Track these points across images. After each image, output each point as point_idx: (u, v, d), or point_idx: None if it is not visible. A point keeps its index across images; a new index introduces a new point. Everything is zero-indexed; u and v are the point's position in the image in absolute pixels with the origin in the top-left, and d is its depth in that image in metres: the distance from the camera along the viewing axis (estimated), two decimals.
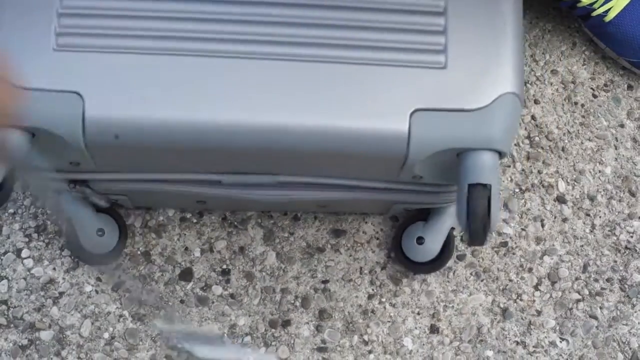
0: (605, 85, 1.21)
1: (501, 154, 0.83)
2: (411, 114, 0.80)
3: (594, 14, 1.16)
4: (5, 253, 1.11)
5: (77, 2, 0.82)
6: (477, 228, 0.80)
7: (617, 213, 1.15)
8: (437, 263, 1.10)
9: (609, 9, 1.15)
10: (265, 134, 0.81)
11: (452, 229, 1.08)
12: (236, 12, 0.83)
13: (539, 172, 1.16)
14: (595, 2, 1.15)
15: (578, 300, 1.11)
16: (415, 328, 1.10)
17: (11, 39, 0.81)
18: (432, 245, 1.08)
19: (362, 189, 0.95)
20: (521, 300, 1.11)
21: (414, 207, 1.06)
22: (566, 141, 1.18)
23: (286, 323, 1.09)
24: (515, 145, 1.16)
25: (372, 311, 1.10)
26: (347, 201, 0.99)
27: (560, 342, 1.10)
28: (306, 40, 0.82)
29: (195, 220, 1.13)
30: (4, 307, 1.09)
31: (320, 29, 0.83)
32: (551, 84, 1.21)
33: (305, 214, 1.13)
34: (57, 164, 0.88)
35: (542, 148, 1.17)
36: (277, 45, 0.82)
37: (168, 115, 0.80)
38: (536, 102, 1.19)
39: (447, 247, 1.09)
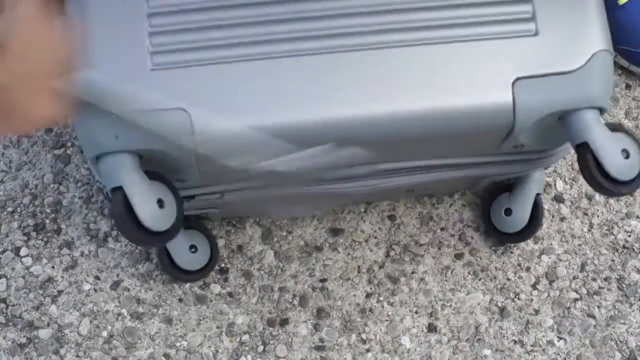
0: None
1: (602, 110, 0.85)
2: (513, 83, 0.83)
3: None
4: (3, 251, 1.11)
5: (165, 19, 0.82)
6: (598, 182, 0.83)
7: (614, 212, 1.15)
8: (527, 232, 1.10)
9: None
10: (375, 124, 0.83)
11: (538, 195, 1.08)
12: (324, 7, 0.84)
13: None
14: None
15: (576, 299, 1.12)
16: (413, 327, 1.10)
17: (108, 65, 0.81)
18: (521, 215, 1.09)
19: (457, 166, 0.96)
20: (519, 299, 1.11)
21: (502, 178, 1.07)
22: None
23: (284, 322, 1.09)
24: None
25: (370, 310, 1.10)
26: (439, 182, 1.00)
27: (558, 341, 1.10)
28: (400, 26, 0.84)
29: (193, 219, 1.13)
30: (2, 305, 1.09)
31: (411, 13, 0.84)
32: None
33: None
34: None
35: None
36: (373, 34, 0.83)
37: (277, 119, 0.81)
38: None
39: (536, 215, 1.08)
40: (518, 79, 0.83)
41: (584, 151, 0.83)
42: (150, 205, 0.81)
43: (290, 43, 0.83)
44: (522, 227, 1.09)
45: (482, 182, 1.07)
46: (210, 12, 0.83)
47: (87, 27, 0.82)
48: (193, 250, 1.07)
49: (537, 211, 1.08)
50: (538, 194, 1.08)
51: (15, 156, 1.15)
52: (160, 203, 0.82)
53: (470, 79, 0.83)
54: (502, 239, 1.13)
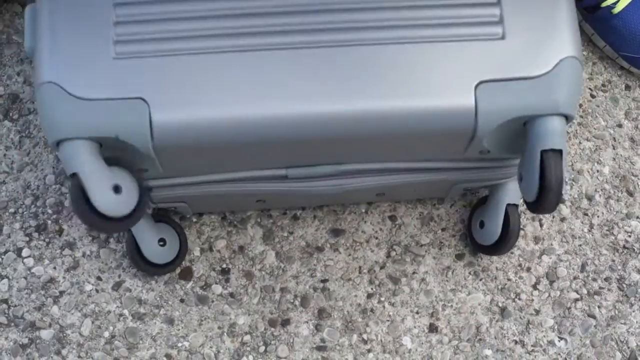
0: (603, 85, 1.22)
1: (568, 118, 0.84)
2: (476, 87, 0.83)
3: (604, 4, 1.17)
4: (5, 252, 1.11)
5: (130, 9, 0.84)
6: (551, 194, 0.83)
7: (615, 213, 1.16)
8: (499, 245, 1.08)
9: (618, 1, 1.16)
10: (333, 122, 0.83)
11: (511, 206, 1.06)
12: (290, 3, 0.84)
13: None
14: None
15: (576, 300, 1.12)
16: (414, 327, 1.10)
17: (71, 52, 0.82)
18: (491, 227, 1.08)
19: (424, 170, 0.96)
20: (520, 299, 1.12)
21: (473, 186, 1.06)
22: None
23: (285, 322, 1.10)
24: None
25: (371, 310, 1.10)
26: (407, 186, 1.00)
27: (559, 341, 1.10)
28: (364, 24, 0.84)
29: (195, 220, 1.13)
30: (4, 306, 1.09)
31: (377, 12, 0.84)
32: None
33: (304, 213, 1.14)
34: None
35: None
36: (336, 32, 0.84)
37: (234, 112, 0.82)
38: None
39: (507, 228, 1.06)
40: (481, 82, 0.83)
41: (551, 158, 0.82)
42: (104, 191, 0.82)
43: (252, 37, 0.83)
44: (495, 240, 1.08)
45: (454, 189, 1.07)
46: (175, 5, 0.84)
47: (55, 13, 0.83)
48: (161, 243, 1.08)
49: (508, 224, 1.06)
50: (511, 205, 1.06)
51: (17, 157, 1.15)
52: (117, 189, 0.82)
53: (434, 80, 0.83)
54: (480, 251, 1.12)
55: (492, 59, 0.83)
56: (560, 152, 0.83)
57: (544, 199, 0.84)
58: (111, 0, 0.84)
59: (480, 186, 1.06)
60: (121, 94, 0.81)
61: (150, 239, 1.06)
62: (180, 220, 1.13)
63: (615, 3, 1.17)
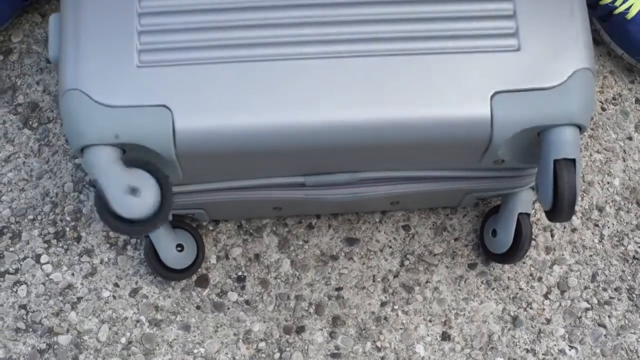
0: (614, 98, 1.24)
1: (581, 129, 0.87)
2: (492, 97, 0.85)
3: (616, 12, 1.19)
4: (24, 258, 1.13)
5: (154, 19, 0.86)
6: (564, 203, 0.85)
7: (625, 224, 1.17)
8: (511, 254, 1.09)
9: (630, 6, 1.18)
10: (352, 130, 0.85)
11: (523, 215, 1.07)
12: (312, 14, 0.87)
13: None
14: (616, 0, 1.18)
15: (587, 309, 1.13)
16: (427, 335, 1.11)
17: (96, 60, 0.84)
18: (503, 236, 1.09)
19: (438, 179, 0.98)
20: (531, 308, 1.13)
21: (486, 195, 1.08)
22: None
23: (300, 329, 1.11)
24: None
25: (385, 318, 1.12)
26: (422, 194, 1.02)
27: (570, 350, 1.12)
28: (383, 35, 0.86)
29: (211, 228, 1.15)
30: (23, 311, 1.10)
31: (395, 24, 0.87)
32: None
33: (319, 222, 1.15)
34: None
35: None
36: (357, 43, 0.86)
37: (255, 120, 0.84)
38: None
39: (518, 237, 1.08)
40: (497, 92, 0.85)
41: (564, 167, 0.84)
42: (119, 193, 0.82)
43: (273, 47, 0.86)
44: (507, 248, 1.09)
45: (467, 198, 1.08)
46: (198, 15, 0.86)
47: (80, 22, 0.85)
48: (179, 249, 1.09)
49: (520, 233, 1.08)
50: (523, 214, 1.07)
51: (36, 165, 1.17)
52: (135, 191, 0.83)
53: (451, 90, 0.85)
54: (492, 259, 1.14)
55: (507, 70, 0.86)
56: (573, 161, 0.85)
57: (559, 207, 0.86)
58: (135, 9, 0.86)
59: (494, 195, 1.07)
60: (145, 101, 0.83)
61: (168, 245, 1.08)
62: (197, 228, 1.14)
63: (628, 8, 1.19)
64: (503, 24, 0.87)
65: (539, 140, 0.87)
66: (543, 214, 1.17)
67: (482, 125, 0.85)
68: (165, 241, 1.07)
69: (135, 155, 0.85)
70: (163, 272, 1.09)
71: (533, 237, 1.16)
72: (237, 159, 0.88)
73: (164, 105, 0.83)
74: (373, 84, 0.85)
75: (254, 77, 0.84)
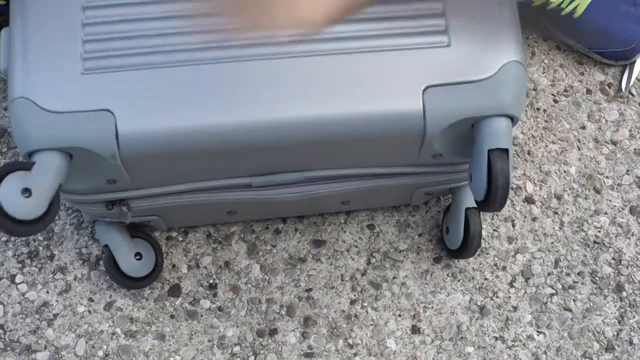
0: (565, 90, 1.27)
1: (513, 119, 0.90)
2: (424, 91, 0.88)
3: (564, 12, 1.23)
4: (0, 280, 1.15)
5: (98, 28, 0.89)
6: (499, 192, 0.87)
7: (584, 210, 1.20)
8: (464, 249, 1.11)
9: (577, 6, 1.22)
10: (289, 128, 0.88)
11: (471, 209, 1.09)
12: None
13: None
14: (563, 1, 1.22)
15: (552, 295, 1.16)
16: (398, 329, 1.14)
17: (42, 68, 0.88)
18: (454, 232, 1.12)
19: (385, 176, 1.01)
20: (497, 297, 1.16)
21: (434, 190, 1.10)
22: (531, 145, 1.24)
23: (273, 332, 1.13)
24: None
25: (355, 316, 1.14)
26: (370, 192, 1.05)
27: (538, 335, 1.14)
28: (318, 36, 0.90)
29: (181, 239, 1.18)
30: (0, 331, 1.13)
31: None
32: None
33: (285, 226, 1.18)
34: (95, 184, 0.94)
35: None
36: (292, 44, 0.89)
37: (195, 121, 0.87)
38: None
39: (468, 232, 1.10)
40: (429, 86, 0.88)
41: (497, 157, 0.87)
42: (13, 194, 0.83)
43: (213, 51, 0.89)
44: (459, 244, 1.12)
45: (416, 194, 1.11)
46: (139, 23, 0.90)
47: (26, 33, 0.89)
48: (138, 257, 1.12)
49: (468, 227, 1.10)
50: (471, 209, 1.10)
51: None
52: (26, 191, 0.83)
53: (384, 86, 0.88)
54: (451, 255, 1.17)
55: (438, 65, 0.89)
56: (506, 151, 0.87)
57: (492, 197, 0.88)
58: (79, 20, 0.89)
59: (441, 190, 1.10)
60: (88, 106, 0.86)
61: (127, 254, 1.11)
62: (167, 240, 1.17)
63: (574, 9, 1.23)
64: (433, 22, 0.91)
65: (473, 132, 0.90)
66: None
67: (416, 119, 0.88)
68: (124, 250, 1.11)
69: (82, 162, 0.88)
70: (123, 281, 1.12)
71: (495, 228, 1.19)
72: (181, 161, 0.91)
73: (106, 110, 0.86)
74: (310, 82, 0.88)
75: (194, 80, 0.88)
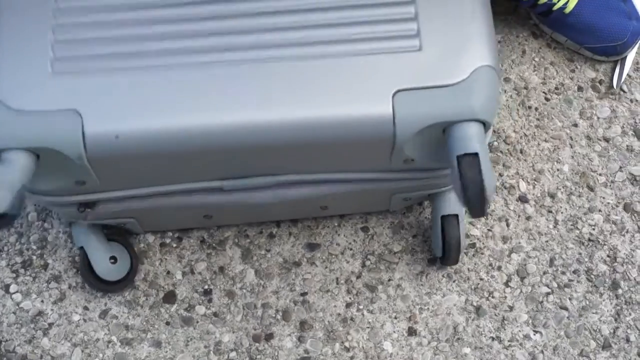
0: (556, 88, 1.27)
1: (485, 124, 0.89)
2: (393, 95, 0.87)
3: (555, 8, 1.23)
4: None
5: (68, 31, 0.90)
6: (473, 197, 0.85)
7: (577, 208, 1.20)
8: (444, 256, 1.11)
9: (568, 1, 1.22)
10: (259, 131, 0.88)
11: (446, 216, 1.09)
12: (215, 27, 0.90)
13: (500, 174, 1.22)
14: None
15: (548, 294, 1.16)
16: (394, 332, 1.14)
17: (12, 69, 0.88)
18: (434, 239, 1.13)
19: (358, 181, 1.01)
20: (493, 297, 1.16)
21: (411, 195, 1.09)
22: (524, 144, 1.24)
23: (269, 336, 1.13)
24: None
25: (351, 319, 1.14)
26: (346, 197, 1.05)
27: (534, 334, 1.14)
28: (290, 41, 0.90)
29: (175, 245, 1.17)
30: None
31: (301, 30, 0.90)
32: (505, 91, 1.27)
33: (280, 231, 1.18)
34: (64, 185, 0.94)
35: (502, 152, 1.23)
36: (262, 49, 0.89)
37: (160, 123, 0.87)
38: None
39: (444, 240, 1.10)
40: (399, 91, 0.88)
41: (467, 162, 0.85)
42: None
43: (178, 55, 0.89)
44: (441, 251, 1.12)
45: (394, 199, 1.10)
46: (108, 28, 0.90)
47: None
48: (112, 261, 1.12)
49: (444, 235, 1.10)
50: (448, 216, 1.09)
51: None
52: None
53: (354, 90, 0.88)
54: (440, 262, 1.16)
55: (409, 69, 0.89)
56: (476, 155, 0.85)
57: (470, 202, 0.86)
58: (50, 22, 0.90)
59: (418, 196, 1.10)
60: (56, 106, 0.87)
61: (102, 257, 1.11)
62: (161, 247, 1.17)
63: (565, 3, 1.23)
64: (405, 27, 0.91)
65: (445, 138, 0.89)
66: (497, 205, 1.20)
67: (385, 123, 0.88)
68: (99, 254, 1.11)
69: (49, 163, 0.88)
70: (96, 284, 1.13)
71: (489, 228, 1.19)
72: (150, 163, 0.91)
73: (74, 110, 0.86)
74: (281, 87, 0.88)
75: (161, 83, 0.88)
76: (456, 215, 1.09)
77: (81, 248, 1.11)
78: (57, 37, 0.89)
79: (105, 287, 1.13)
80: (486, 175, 0.85)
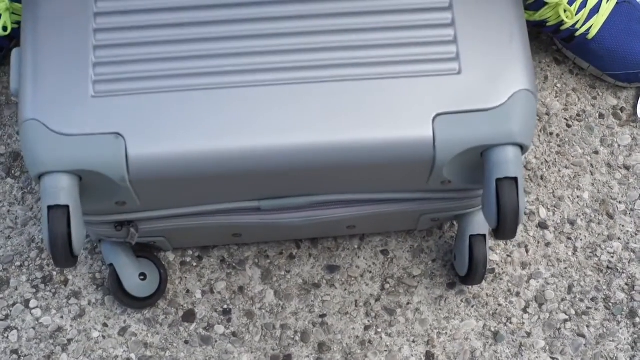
0: (578, 115, 1.27)
1: (523, 148, 0.90)
2: (433, 119, 0.88)
3: (577, 33, 1.23)
4: (14, 304, 1.15)
5: (108, 51, 0.90)
6: (508, 221, 0.88)
7: (597, 235, 1.21)
8: (470, 275, 1.12)
9: (591, 27, 1.23)
10: (300, 154, 0.88)
11: (475, 236, 1.10)
12: (257, 44, 0.91)
13: None
14: (577, 22, 1.22)
15: (565, 320, 1.16)
16: (412, 355, 1.14)
17: (53, 91, 0.88)
18: (460, 259, 1.13)
19: (392, 201, 1.02)
20: (511, 323, 1.16)
21: (440, 216, 1.10)
22: (544, 170, 1.24)
23: (287, 357, 1.14)
24: None
25: (370, 342, 1.15)
26: (377, 217, 1.05)
27: None
28: (332, 62, 0.91)
29: (195, 264, 1.18)
30: (14, 356, 1.13)
31: (344, 52, 0.91)
32: None
33: (300, 252, 1.18)
34: (104, 206, 0.95)
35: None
36: (304, 70, 0.90)
37: (205, 145, 0.88)
38: None
39: (472, 259, 1.10)
40: (439, 114, 0.88)
41: (506, 186, 0.87)
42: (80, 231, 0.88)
43: (224, 76, 0.90)
44: (466, 270, 1.12)
45: (422, 220, 1.11)
46: (150, 47, 0.91)
47: (37, 55, 0.90)
48: (142, 277, 1.13)
49: (472, 254, 1.10)
50: (476, 236, 1.10)
51: (20, 212, 1.20)
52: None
53: (395, 113, 0.89)
54: (461, 282, 1.17)
55: (449, 93, 0.89)
56: (515, 179, 0.88)
57: (503, 225, 0.89)
58: (90, 42, 0.90)
59: (447, 217, 1.11)
60: (99, 129, 0.87)
61: (131, 274, 1.12)
62: (181, 265, 1.17)
63: (588, 29, 1.23)
64: (444, 49, 0.91)
65: (482, 161, 0.90)
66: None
67: (425, 147, 0.88)
68: (128, 271, 1.12)
69: (92, 185, 0.89)
70: (126, 301, 1.13)
71: (508, 254, 1.19)
72: (190, 184, 0.91)
73: (117, 133, 0.87)
74: (322, 109, 0.89)
75: (205, 105, 0.88)
76: (484, 235, 1.10)
77: (110, 265, 1.11)
78: (98, 58, 0.90)
79: (134, 303, 1.14)
80: (521, 200, 0.88)
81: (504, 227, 0.89)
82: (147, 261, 1.15)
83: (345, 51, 0.91)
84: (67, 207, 0.86)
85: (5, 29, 1.15)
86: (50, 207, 0.86)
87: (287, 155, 0.88)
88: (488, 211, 0.90)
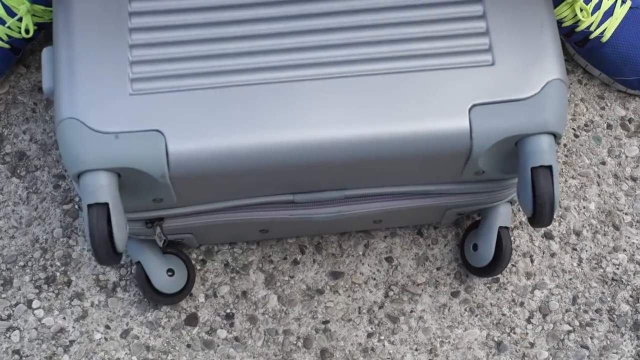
0: (586, 125, 1.27)
1: (556, 136, 0.91)
2: (470, 110, 0.90)
3: (592, 36, 1.23)
4: (16, 304, 1.15)
5: (145, 50, 0.91)
6: (544, 209, 0.90)
7: (602, 246, 1.20)
8: (492, 266, 1.13)
9: (605, 30, 1.22)
10: (339, 147, 0.89)
11: (503, 228, 1.11)
12: (293, 41, 0.92)
13: None
14: (592, 24, 1.22)
15: (569, 332, 1.16)
16: None
17: (90, 89, 0.89)
18: (485, 249, 1.13)
19: (423, 194, 1.03)
20: (514, 333, 1.16)
21: (467, 210, 1.11)
22: None
23: None
24: None
25: (372, 349, 1.14)
26: (405, 211, 1.06)
27: None
28: (366, 57, 0.92)
29: (199, 268, 1.17)
30: (16, 356, 1.12)
31: (377, 46, 0.92)
32: None
33: (304, 257, 1.18)
34: (141, 202, 0.95)
35: None
36: (339, 65, 0.91)
37: (244, 141, 0.88)
38: None
39: (500, 249, 1.12)
40: (475, 105, 0.90)
41: (541, 174, 0.89)
42: (121, 227, 0.88)
43: (259, 73, 0.90)
44: (488, 261, 1.13)
45: (448, 214, 1.12)
46: (187, 45, 0.91)
47: (73, 54, 0.90)
48: (170, 274, 1.12)
49: (501, 245, 1.12)
50: (503, 228, 1.12)
51: (25, 212, 1.19)
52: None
53: (432, 105, 0.90)
54: (474, 274, 1.17)
55: (483, 84, 0.91)
56: (550, 167, 0.89)
57: (539, 213, 0.91)
58: (127, 42, 0.91)
59: (474, 210, 1.11)
60: (138, 127, 0.88)
61: (159, 270, 1.11)
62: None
63: (602, 32, 1.23)
64: (477, 41, 0.92)
65: (517, 150, 0.92)
66: (521, 241, 1.20)
67: (462, 137, 0.90)
68: (156, 266, 1.11)
69: (131, 182, 0.90)
70: (155, 297, 1.13)
71: (513, 263, 1.18)
72: (228, 179, 0.92)
73: (157, 130, 0.87)
74: (358, 102, 0.90)
75: (242, 101, 0.89)
76: (507, 228, 1.12)
77: (138, 263, 1.11)
78: (134, 57, 0.90)
79: (163, 299, 1.13)
80: (556, 188, 0.89)
81: (540, 215, 0.91)
82: (173, 257, 1.14)
83: (381, 45, 0.92)
84: (107, 204, 0.86)
85: (27, 31, 1.15)
86: (90, 206, 0.86)
87: (325, 149, 0.89)
88: (524, 199, 0.92)
